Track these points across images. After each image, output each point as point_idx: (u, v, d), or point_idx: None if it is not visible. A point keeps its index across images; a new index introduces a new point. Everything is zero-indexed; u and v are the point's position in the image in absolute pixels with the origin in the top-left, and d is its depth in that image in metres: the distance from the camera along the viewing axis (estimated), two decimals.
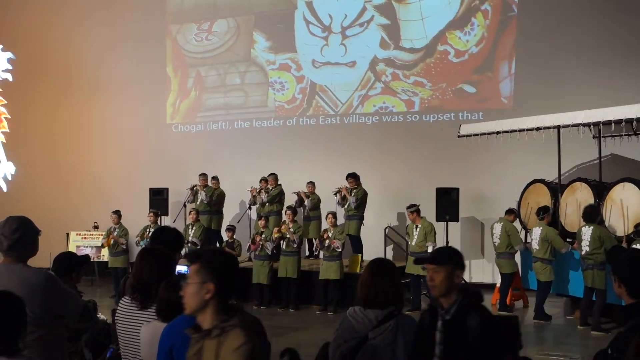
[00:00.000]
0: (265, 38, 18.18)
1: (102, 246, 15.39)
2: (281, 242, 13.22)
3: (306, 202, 15.02)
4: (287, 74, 17.89)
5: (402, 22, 16.73)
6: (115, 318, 4.40)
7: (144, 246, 13.74)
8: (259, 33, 18.22)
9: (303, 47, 17.72)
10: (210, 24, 18.76)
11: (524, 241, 12.91)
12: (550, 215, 12.11)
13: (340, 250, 12.78)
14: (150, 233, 13.07)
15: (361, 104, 17.07)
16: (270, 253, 13.27)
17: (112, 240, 14.66)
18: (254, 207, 15.68)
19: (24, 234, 4.33)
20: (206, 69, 18.83)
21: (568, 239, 12.05)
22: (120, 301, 4.39)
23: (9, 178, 19.08)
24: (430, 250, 12.41)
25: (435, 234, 12.68)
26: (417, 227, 12.71)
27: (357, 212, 14.17)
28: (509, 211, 12.99)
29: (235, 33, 18.54)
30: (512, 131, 13.09)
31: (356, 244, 14.07)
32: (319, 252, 13.32)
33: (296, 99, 17.77)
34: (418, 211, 12.83)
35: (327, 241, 12.75)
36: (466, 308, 3.83)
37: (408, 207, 12.94)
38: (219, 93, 18.64)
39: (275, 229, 13.29)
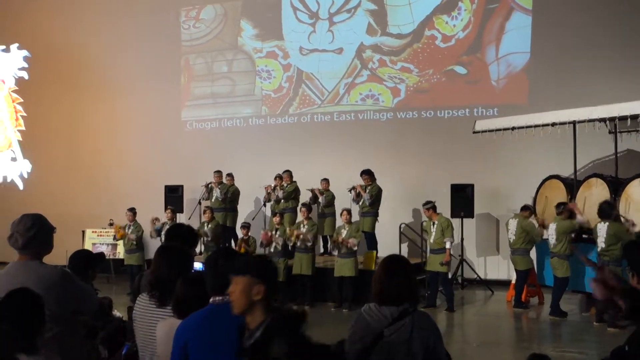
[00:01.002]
0: (252, 25, 18.21)
1: (115, 238, 15.43)
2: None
3: (320, 199, 15.03)
4: (274, 62, 17.94)
5: (389, 7, 16.76)
6: (133, 315, 4.40)
7: (159, 233, 13.94)
8: (246, 20, 18.26)
9: (290, 34, 17.75)
10: (197, 11, 18.80)
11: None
12: (568, 211, 12.05)
13: (356, 248, 12.77)
14: (166, 229, 13.11)
15: (347, 93, 17.10)
16: (280, 249, 13.25)
17: (124, 234, 14.68)
18: (268, 204, 15.69)
19: (38, 232, 4.34)
20: (194, 57, 18.88)
21: (584, 235, 11.99)
22: (138, 298, 4.39)
23: (25, 176, 19.21)
24: (448, 246, 12.40)
25: (452, 229, 12.64)
26: (434, 223, 12.66)
27: (372, 209, 14.14)
28: (524, 208, 12.92)
29: (222, 20, 18.59)
30: (527, 127, 13.03)
31: (371, 241, 14.05)
32: (333, 249, 13.27)
33: (283, 88, 17.83)
34: (434, 207, 12.78)
35: (342, 245, 12.70)
36: (273, 332, 3.18)
37: (424, 204, 12.90)
38: (207, 81, 18.71)
39: (293, 232, 13.18)
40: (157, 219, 14.73)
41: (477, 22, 16.01)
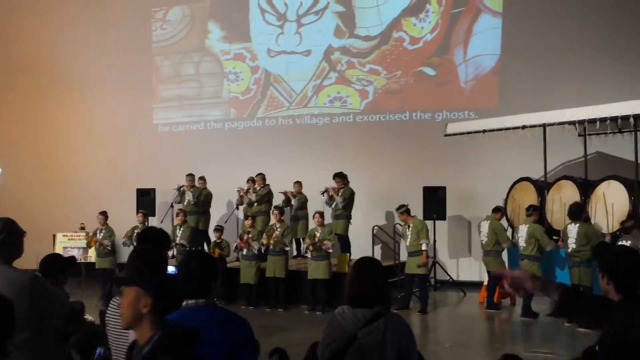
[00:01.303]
0: (220, 27, 18.16)
1: (88, 246, 15.25)
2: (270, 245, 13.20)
3: (293, 202, 15.02)
4: (242, 64, 17.89)
5: (357, 9, 16.83)
6: (106, 319, 4.38)
7: (131, 246, 13.83)
8: (214, 22, 18.20)
9: (258, 37, 17.71)
10: (164, 13, 18.69)
11: (511, 239, 12.93)
12: (538, 214, 12.15)
13: (331, 251, 12.77)
14: (137, 234, 13.03)
15: (315, 95, 17.11)
16: (257, 252, 13.24)
17: (96, 242, 14.55)
18: (241, 207, 15.65)
19: (8, 236, 4.31)
20: (161, 58, 18.77)
21: (554, 237, 12.09)
22: (111, 302, 4.37)
23: None
24: (424, 247, 12.45)
25: (427, 231, 12.73)
26: (409, 226, 12.72)
27: (344, 212, 14.16)
28: (496, 209, 13.03)
29: (189, 22, 18.49)
30: (498, 130, 13.13)
31: (344, 243, 14.06)
32: (306, 252, 13.30)
33: (251, 90, 17.80)
34: (408, 211, 12.84)
35: (318, 243, 12.68)
36: (160, 349, 3.04)
37: (397, 209, 12.96)
38: (174, 84, 18.61)
39: (272, 238, 13.15)
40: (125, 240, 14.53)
41: (444, 24, 16.10)
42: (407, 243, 12.78)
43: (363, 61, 16.69)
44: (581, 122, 12.01)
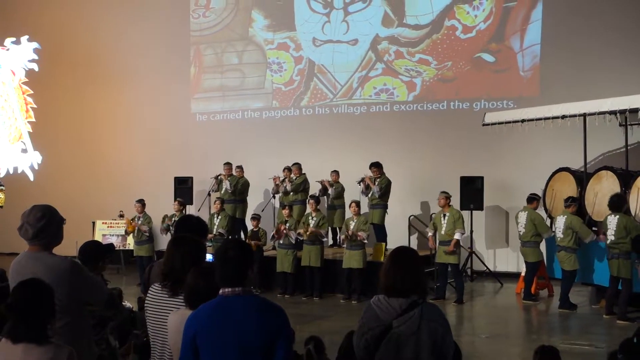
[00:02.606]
0: (264, 16, 17.91)
1: (126, 232, 15.45)
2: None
3: (330, 191, 15.03)
4: (286, 54, 17.62)
5: None
6: (145, 305, 4.43)
7: (168, 229, 13.98)
8: (257, 10, 17.97)
9: (303, 25, 17.39)
10: (207, 0, 18.50)
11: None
12: (576, 205, 12.01)
13: (366, 241, 12.75)
14: (175, 222, 13.16)
15: (361, 86, 16.81)
16: (294, 242, 13.28)
17: (135, 227, 14.73)
18: (277, 196, 15.69)
19: (48, 223, 4.36)
20: (204, 47, 18.60)
21: (594, 228, 11.95)
22: (150, 288, 4.42)
23: (36, 167, 19.24)
24: (457, 237, 12.38)
25: (463, 221, 12.65)
26: (444, 215, 12.64)
27: (381, 201, 14.14)
28: (531, 198, 12.85)
29: (233, 10, 18.24)
30: (537, 119, 12.98)
31: (380, 233, 14.05)
32: (343, 241, 13.31)
33: (294, 81, 17.54)
34: (449, 199, 12.74)
35: (352, 236, 12.65)
36: None
37: (442, 192, 12.81)
38: (216, 73, 18.46)
39: (302, 230, 13.19)
40: (166, 217, 14.77)
41: (498, 12, 15.71)
42: (442, 232, 12.69)
43: (412, 50, 16.32)
44: (622, 111, 11.81)
